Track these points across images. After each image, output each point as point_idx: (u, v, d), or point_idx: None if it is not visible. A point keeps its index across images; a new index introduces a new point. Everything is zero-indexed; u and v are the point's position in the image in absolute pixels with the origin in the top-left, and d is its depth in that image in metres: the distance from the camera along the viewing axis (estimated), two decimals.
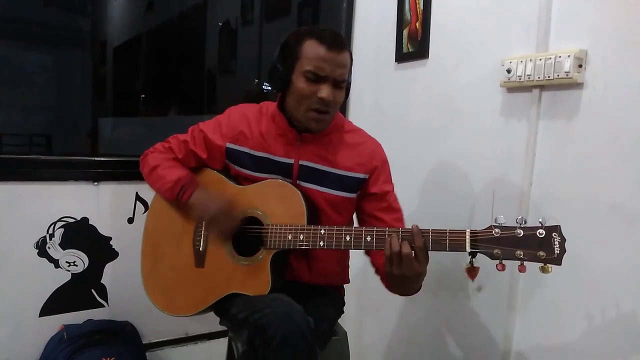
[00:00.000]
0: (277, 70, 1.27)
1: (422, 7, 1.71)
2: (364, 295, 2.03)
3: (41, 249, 1.60)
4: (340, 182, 1.32)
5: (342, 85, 1.25)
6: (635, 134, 1.10)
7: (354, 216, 1.42)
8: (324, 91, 1.21)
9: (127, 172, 1.69)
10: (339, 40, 1.24)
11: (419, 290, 1.19)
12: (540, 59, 1.26)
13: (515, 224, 1.01)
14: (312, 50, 1.21)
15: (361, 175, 1.33)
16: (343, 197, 1.32)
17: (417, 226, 1.10)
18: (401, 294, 1.23)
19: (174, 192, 1.30)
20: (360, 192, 1.35)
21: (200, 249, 1.32)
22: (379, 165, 1.34)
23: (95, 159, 1.72)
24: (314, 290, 1.35)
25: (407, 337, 1.83)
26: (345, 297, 1.48)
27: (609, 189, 1.15)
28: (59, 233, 1.63)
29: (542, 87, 1.30)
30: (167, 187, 1.31)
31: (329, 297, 1.39)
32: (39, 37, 2.21)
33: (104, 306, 1.73)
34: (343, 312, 1.45)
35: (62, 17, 2.23)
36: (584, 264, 1.18)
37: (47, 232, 1.61)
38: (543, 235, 0.99)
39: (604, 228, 1.16)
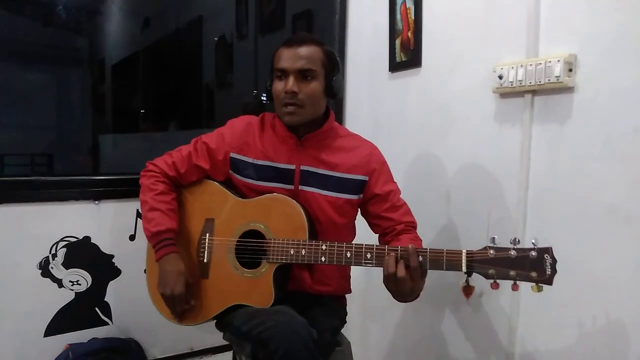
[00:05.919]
0: (266, 84, 1.38)
1: (413, 17, 1.73)
2: (367, 304, 2.03)
3: (44, 269, 1.61)
4: (341, 184, 1.34)
5: (309, 75, 1.30)
6: (627, 134, 1.11)
7: (364, 221, 1.44)
8: (287, 83, 1.29)
9: (127, 190, 1.70)
10: (300, 37, 1.34)
11: (417, 298, 1.21)
12: (531, 65, 1.27)
13: (509, 245, 1.05)
14: (278, 53, 1.33)
15: (360, 177, 1.35)
16: (345, 199, 1.35)
17: (413, 246, 1.13)
18: (400, 302, 1.25)
19: (152, 242, 1.34)
20: (363, 195, 1.37)
21: (205, 260, 1.34)
22: (377, 168, 1.37)
23: (95, 178, 1.73)
24: (317, 300, 1.36)
25: (411, 346, 1.83)
26: (347, 306, 1.48)
27: (603, 191, 1.16)
28: (61, 253, 1.64)
29: (534, 92, 1.31)
30: (149, 233, 1.34)
31: (331, 307, 1.40)
32: (38, 57, 2.24)
33: (108, 324, 1.73)
34: (346, 322, 1.45)
35: (61, 37, 2.26)
36: (581, 266, 1.19)
37: (50, 252, 1.62)
38: (535, 257, 1.02)
39: (600, 229, 1.17)
